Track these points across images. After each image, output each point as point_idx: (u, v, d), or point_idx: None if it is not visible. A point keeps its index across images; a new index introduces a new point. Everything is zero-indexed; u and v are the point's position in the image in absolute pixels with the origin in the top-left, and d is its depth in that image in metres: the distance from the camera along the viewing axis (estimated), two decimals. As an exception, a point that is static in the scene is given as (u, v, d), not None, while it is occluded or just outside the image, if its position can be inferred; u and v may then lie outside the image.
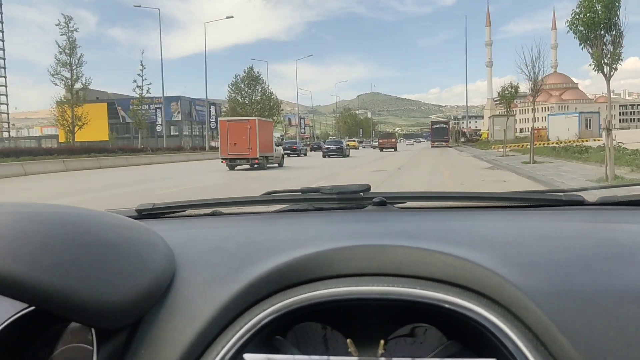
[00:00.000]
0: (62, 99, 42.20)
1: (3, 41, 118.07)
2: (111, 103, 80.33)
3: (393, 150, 54.84)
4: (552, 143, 38.64)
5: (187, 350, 0.72)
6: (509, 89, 31.20)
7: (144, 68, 48.92)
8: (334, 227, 1.12)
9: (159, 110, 71.63)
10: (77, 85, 42.75)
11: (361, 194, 1.32)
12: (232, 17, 50.50)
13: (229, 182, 17.42)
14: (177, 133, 78.89)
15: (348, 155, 40.28)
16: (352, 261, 0.81)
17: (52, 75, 40.97)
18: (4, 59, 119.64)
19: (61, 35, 41.85)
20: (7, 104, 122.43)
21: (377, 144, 62.18)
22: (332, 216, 1.27)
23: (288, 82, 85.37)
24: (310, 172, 22.07)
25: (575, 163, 19.60)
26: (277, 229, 1.14)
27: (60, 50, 41.53)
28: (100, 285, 0.69)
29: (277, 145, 27.86)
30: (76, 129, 42.45)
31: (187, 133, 77.77)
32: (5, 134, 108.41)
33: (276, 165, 26.34)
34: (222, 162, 24.12)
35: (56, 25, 41.23)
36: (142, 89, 49.43)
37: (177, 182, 17.62)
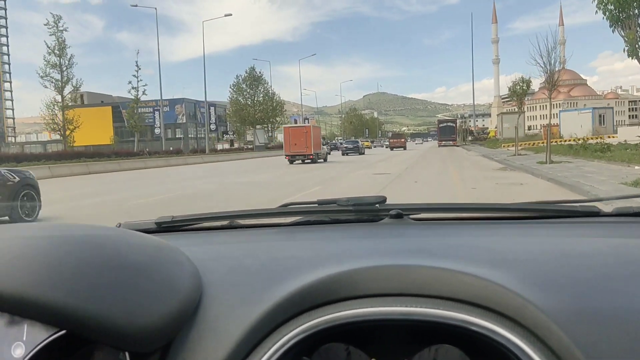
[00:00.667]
0: (52, 101, 40.69)
1: (8, 46, 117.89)
2: (115, 106, 79.43)
3: (402, 149, 57.70)
4: (566, 140, 36.76)
5: None
6: (521, 84, 29.24)
7: (139, 69, 47.76)
8: (354, 244, 1.11)
9: (157, 113, 70.48)
10: (68, 88, 41.37)
11: (377, 205, 1.31)
12: (230, 14, 49.26)
13: (219, 187, 15.86)
14: (182, 136, 77.89)
15: (363, 153, 45.35)
16: (375, 281, 0.82)
17: (41, 77, 39.50)
18: (9, 64, 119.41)
19: (50, 35, 40.50)
20: (12, 109, 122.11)
21: (388, 143, 66.11)
22: (350, 230, 1.26)
23: (294, 83, 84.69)
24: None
25: (598, 162, 17.87)
26: (297, 245, 1.14)
27: (49, 51, 40.11)
28: (133, 308, 0.70)
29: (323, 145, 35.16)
30: (67, 132, 40.91)
31: (192, 135, 76.61)
32: (11, 139, 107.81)
33: (322, 160, 33.10)
34: (285, 157, 31.30)
35: (45, 24, 39.77)
36: (137, 91, 48.05)
37: (152, 190, 16.06)
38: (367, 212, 1.32)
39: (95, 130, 68.94)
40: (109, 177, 24.12)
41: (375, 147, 79.71)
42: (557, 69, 19.97)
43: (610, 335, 0.66)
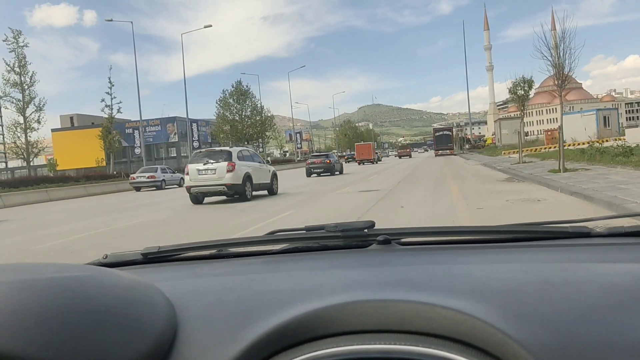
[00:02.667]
0: (14, 124, 37.70)
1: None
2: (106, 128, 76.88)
3: (408, 157, 71.18)
4: (575, 144, 34.17)
5: None
6: (522, 85, 26.51)
7: (112, 85, 44.40)
8: (337, 274, 1.12)
9: (136, 132, 68.15)
10: (31, 108, 38.19)
11: (365, 230, 1.33)
12: (210, 26, 46.58)
13: (174, 216, 13.14)
14: (175, 155, 76.01)
15: (377, 162, 55.72)
16: (353, 318, 0.81)
17: (0, 97, 36.56)
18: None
19: (10, 51, 37.52)
20: (2, 134, 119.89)
21: (395, 153, 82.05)
22: (335, 259, 1.26)
23: (289, 98, 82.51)
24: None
25: (623, 169, 15.10)
26: (280, 277, 1.14)
27: (9, 68, 37.14)
28: (99, 354, 0.69)
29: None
30: (32, 156, 38.00)
31: (185, 154, 74.42)
32: (2, 165, 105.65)
33: (373, 163, 50.70)
34: (358, 164, 46.00)
35: (3, 41, 36.94)
36: (111, 109, 44.87)
37: (89, 222, 13.33)
38: (355, 238, 1.33)
39: (87, 152, 66.79)
40: (63, 205, 21.42)
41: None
42: (567, 63, 17.35)
43: None
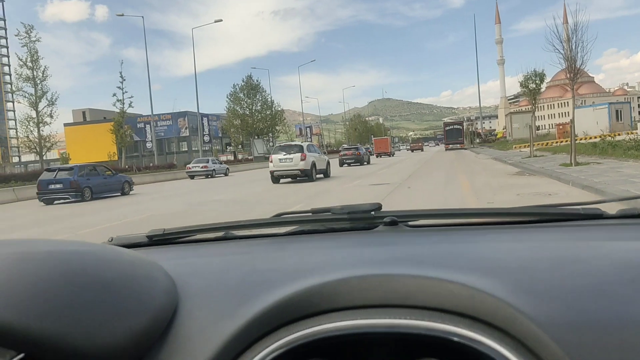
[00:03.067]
0: (26, 117, 37.88)
1: (9, 66, 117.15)
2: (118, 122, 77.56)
3: (420, 150, 77.75)
4: (586, 138, 33.93)
5: None
6: (533, 78, 26.30)
7: (124, 80, 44.36)
8: (342, 252, 1.09)
9: (148, 126, 68.50)
10: (43, 102, 38.31)
11: (372, 213, 1.31)
12: (220, 20, 46.74)
13: (177, 211, 13.28)
14: (186, 149, 76.42)
15: (393, 155, 61.15)
16: (358, 292, 0.79)
17: (13, 92, 36.82)
18: (11, 84, 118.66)
19: (22, 46, 37.55)
20: (15, 129, 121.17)
21: (406, 147, 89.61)
22: (342, 239, 1.24)
23: (299, 93, 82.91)
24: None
25: (634, 162, 15.04)
26: (285, 256, 1.12)
27: (22, 63, 37.27)
28: (95, 328, 0.68)
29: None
30: (44, 151, 38.26)
31: (195, 148, 74.85)
32: (16, 159, 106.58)
33: (390, 156, 56.07)
34: (376, 156, 51.43)
35: (15, 35, 37.12)
36: (122, 103, 44.92)
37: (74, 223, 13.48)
38: (362, 220, 1.31)
39: (99, 146, 67.28)
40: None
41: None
42: (580, 56, 17.22)
43: (606, 345, 0.64)
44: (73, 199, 19.44)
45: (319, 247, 1.20)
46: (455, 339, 0.70)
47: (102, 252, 0.86)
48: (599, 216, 1.21)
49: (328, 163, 23.27)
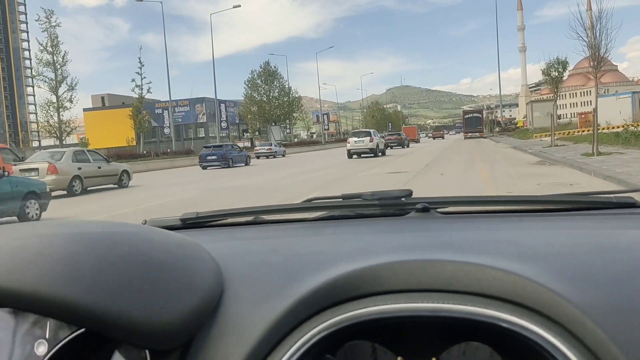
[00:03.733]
0: (47, 102, 38.25)
1: (29, 50, 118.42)
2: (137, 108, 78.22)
3: (441, 138, 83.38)
4: (609, 128, 33.29)
5: None
6: (556, 66, 25.78)
7: (143, 65, 44.27)
8: (379, 238, 1.10)
9: (166, 112, 68.80)
10: (63, 87, 38.68)
11: (403, 199, 1.31)
12: (239, 6, 46.49)
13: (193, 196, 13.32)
14: (203, 135, 76.73)
15: (419, 141, 67.39)
16: (400, 277, 0.80)
17: (33, 77, 37.15)
18: (31, 69, 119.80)
19: (42, 31, 37.85)
20: (35, 113, 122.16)
21: (426, 135, 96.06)
22: (375, 225, 1.24)
23: (317, 79, 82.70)
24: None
25: (659, 153, 14.72)
26: (321, 240, 1.14)
27: (42, 48, 37.49)
28: (153, 306, 0.70)
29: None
30: (64, 135, 38.60)
31: (213, 135, 75.18)
32: (35, 144, 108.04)
33: (417, 142, 63.68)
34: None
35: (36, 20, 37.40)
36: (141, 89, 44.91)
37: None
38: (392, 207, 1.30)
39: (117, 132, 67.83)
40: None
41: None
42: (604, 43, 16.79)
43: None
44: (223, 167, 28.73)
45: (353, 232, 1.19)
46: (503, 324, 0.70)
47: (151, 233, 0.87)
48: (632, 205, 1.19)
49: (385, 146, 34.94)
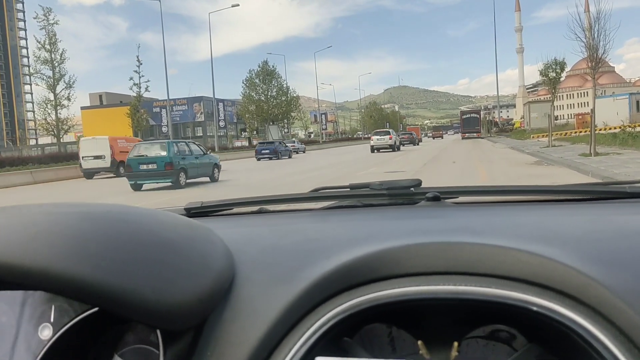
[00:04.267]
0: (44, 100, 38.18)
1: (27, 48, 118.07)
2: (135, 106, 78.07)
3: (440, 138, 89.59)
4: (606, 129, 33.39)
5: (254, 352, 0.70)
6: (553, 67, 25.85)
7: (141, 64, 44.14)
8: (391, 224, 1.07)
9: (164, 111, 68.71)
10: (61, 85, 38.58)
11: (412, 189, 1.28)
12: (237, 5, 46.49)
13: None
14: (201, 134, 76.67)
15: (421, 140, 68.27)
16: (419, 259, 0.77)
17: (31, 74, 37.10)
18: (29, 67, 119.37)
19: (40, 29, 37.72)
20: (33, 111, 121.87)
21: (431, 135, 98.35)
22: (386, 212, 1.21)
23: (315, 79, 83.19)
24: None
25: (656, 154, 14.78)
26: (331, 227, 1.11)
27: (40, 45, 37.37)
28: (165, 285, 0.69)
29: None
30: (62, 133, 38.52)
31: (211, 134, 75.14)
32: (33, 142, 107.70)
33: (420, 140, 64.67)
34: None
35: (34, 18, 37.27)
36: (139, 87, 44.81)
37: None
38: (401, 196, 1.28)
39: (115, 130, 67.65)
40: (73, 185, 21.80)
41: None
42: (602, 44, 16.85)
43: None
44: (274, 159, 35.79)
45: (363, 219, 1.17)
46: (528, 306, 0.69)
47: (161, 215, 0.86)
48: None
49: (401, 142, 43.87)
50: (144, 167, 15.77)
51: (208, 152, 19.25)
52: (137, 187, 16.14)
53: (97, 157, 24.44)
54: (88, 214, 0.75)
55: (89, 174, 24.81)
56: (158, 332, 0.72)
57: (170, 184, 15.95)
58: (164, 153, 15.76)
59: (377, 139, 37.48)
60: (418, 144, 54.97)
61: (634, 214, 1.03)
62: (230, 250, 0.87)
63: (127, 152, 18.26)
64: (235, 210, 1.41)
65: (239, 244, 0.92)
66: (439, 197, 1.22)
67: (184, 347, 0.72)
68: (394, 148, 37.19)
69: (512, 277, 0.72)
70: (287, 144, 42.01)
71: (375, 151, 36.54)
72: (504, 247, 0.76)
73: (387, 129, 40.58)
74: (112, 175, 24.81)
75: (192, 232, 0.84)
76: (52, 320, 0.73)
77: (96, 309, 0.81)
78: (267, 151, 37.05)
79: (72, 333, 0.76)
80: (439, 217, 1.08)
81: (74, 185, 21.21)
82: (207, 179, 17.72)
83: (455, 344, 0.76)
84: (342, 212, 1.28)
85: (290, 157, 38.51)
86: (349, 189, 1.41)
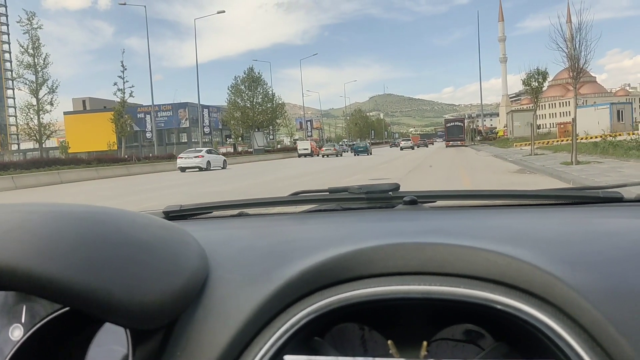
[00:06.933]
0: (27, 105, 37.81)
1: (10, 53, 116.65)
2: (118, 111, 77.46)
3: (432, 144, 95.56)
4: (588, 138, 33.86)
5: (225, 352, 0.70)
6: (536, 76, 26.19)
7: (125, 69, 43.99)
8: (368, 226, 1.10)
9: (148, 117, 68.38)
10: (44, 90, 38.24)
11: (390, 193, 1.32)
12: (223, 11, 46.69)
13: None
14: (186, 140, 76.33)
15: (413, 148, 72.13)
16: (392, 259, 0.78)
17: (13, 79, 36.71)
18: (12, 71, 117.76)
19: (24, 33, 37.46)
20: (15, 116, 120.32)
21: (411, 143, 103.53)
22: (363, 215, 1.25)
23: (303, 86, 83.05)
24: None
25: (635, 162, 15.00)
26: (309, 229, 1.14)
27: (23, 50, 37.08)
28: (135, 284, 0.69)
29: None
30: (44, 138, 38.11)
31: (195, 140, 74.83)
32: (15, 147, 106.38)
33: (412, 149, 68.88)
34: (400, 149, 66.93)
35: (17, 22, 37.01)
36: (123, 93, 44.55)
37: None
38: (379, 200, 1.31)
39: (98, 135, 67.15)
40: (54, 191, 21.58)
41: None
42: (583, 54, 17.11)
43: None
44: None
45: (341, 222, 1.19)
46: (496, 306, 0.70)
47: (135, 216, 0.86)
48: (619, 199, 1.21)
49: (417, 145, 67.81)
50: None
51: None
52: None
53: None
54: (60, 213, 0.75)
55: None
56: (127, 331, 0.71)
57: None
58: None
59: (404, 143, 56.51)
60: (427, 146, 75.76)
61: (604, 217, 1.06)
62: (204, 251, 0.87)
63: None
64: (215, 213, 1.42)
65: (215, 245, 0.92)
66: (416, 200, 1.25)
67: (154, 347, 0.72)
68: (413, 147, 57.38)
69: (480, 277, 0.74)
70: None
71: (403, 150, 50.44)
72: (474, 248, 0.77)
73: (408, 137, 62.15)
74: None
75: (165, 233, 0.84)
76: (22, 320, 0.72)
77: (67, 308, 0.81)
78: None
79: (43, 333, 0.75)
80: (415, 220, 1.11)
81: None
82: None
83: (425, 343, 0.77)
84: (321, 215, 1.30)
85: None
86: (328, 193, 1.43)
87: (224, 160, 34.50)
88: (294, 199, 1.41)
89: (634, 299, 0.66)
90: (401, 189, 1.34)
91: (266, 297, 0.75)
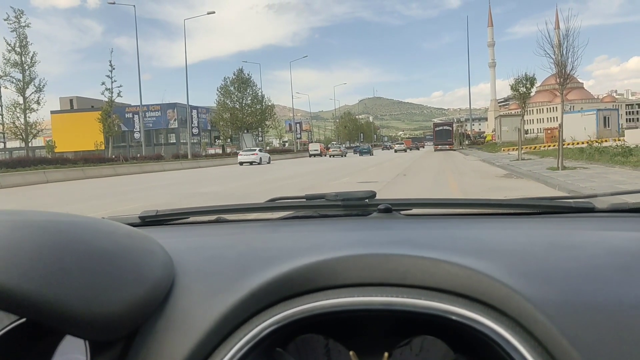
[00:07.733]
0: (13, 104, 37.56)
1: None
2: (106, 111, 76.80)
3: (422, 147, 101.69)
4: (574, 143, 34.16)
5: None
6: (524, 82, 26.38)
7: (113, 69, 43.67)
8: (337, 235, 1.11)
9: (136, 117, 68.01)
10: (31, 88, 37.99)
11: (366, 200, 1.33)
12: (213, 12, 46.66)
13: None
14: (174, 141, 75.90)
15: (406, 151, 74.08)
16: (355, 270, 0.79)
17: (0, 77, 36.28)
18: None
19: (11, 31, 37.12)
20: (1, 115, 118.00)
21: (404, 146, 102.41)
22: (336, 223, 1.27)
23: (293, 88, 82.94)
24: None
25: (620, 169, 15.13)
26: (279, 237, 1.15)
27: (10, 48, 36.75)
28: (93, 295, 0.68)
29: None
30: (30, 138, 37.77)
31: (184, 141, 74.49)
32: (0, 145, 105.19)
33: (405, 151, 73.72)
34: (394, 151, 71.99)
35: (4, 20, 36.65)
36: (111, 92, 44.20)
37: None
38: (355, 207, 1.32)
39: (85, 135, 66.52)
40: (39, 190, 21.38)
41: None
42: (570, 61, 17.28)
43: (599, 325, 0.65)
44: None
45: (313, 230, 1.21)
46: (454, 317, 0.71)
47: (99, 224, 0.85)
48: (591, 209, 1.22)
49: (409, 148, 76.85)
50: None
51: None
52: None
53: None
54: (22, 222, 0.74)
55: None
56: (85, 342, 0.71)
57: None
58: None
59: (397, 146, 65.37)
60: (419, 149, 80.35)
61: (572, 229, 1.07)
62: (171, 260, 0.86)
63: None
64: (192, 219, 1.42)
65: (184, 254, 0.92)
66: (390, 209, 1.26)
67: (112, 358, 0.71)
68: (405, 150, 60.38)
69: (441, 289, 0.74)
70: None
71: (397, 152, 55.29)
72: (437, 260, 0.78)
73: (402, 141, 69.63)
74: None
75: (129, 241, 0.83)
76: None
77: (24, 319, 0.81)
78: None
79: (4, 342, 0.75)
80: (386, 229, 1.12)
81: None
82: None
83: (386, 354, 0.78)
84: (296, 223, 1.31)
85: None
86: (305, 200, 1.44)
87: (269, 157, 45.27)
88: (271, 205, 1.42)
89: (587, 313, 0.66)
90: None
91: (229, 308, 0.74)
